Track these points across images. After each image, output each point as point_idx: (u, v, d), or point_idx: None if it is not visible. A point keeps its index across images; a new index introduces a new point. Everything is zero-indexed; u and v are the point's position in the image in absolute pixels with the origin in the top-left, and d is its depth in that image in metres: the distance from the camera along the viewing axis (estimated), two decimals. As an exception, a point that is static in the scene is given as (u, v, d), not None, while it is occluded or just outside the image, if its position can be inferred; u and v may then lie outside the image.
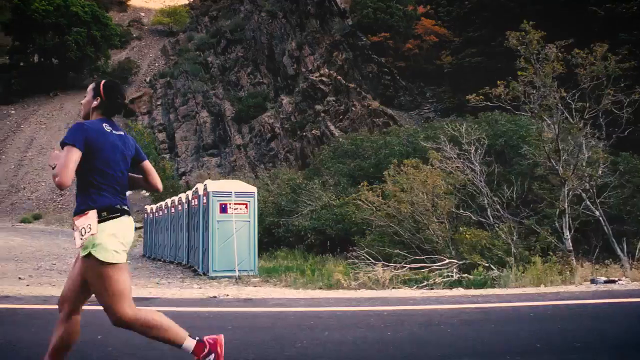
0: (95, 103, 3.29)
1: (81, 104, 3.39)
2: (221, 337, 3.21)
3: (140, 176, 3.45)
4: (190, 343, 3.10)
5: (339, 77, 29.93)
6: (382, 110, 26.91)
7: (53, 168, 3.01)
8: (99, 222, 2.99)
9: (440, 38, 34.12)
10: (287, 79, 39.11)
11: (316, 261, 13.40)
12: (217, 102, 40.64)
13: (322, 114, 28.86)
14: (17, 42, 47.30)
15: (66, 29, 47.09)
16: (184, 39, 54.34)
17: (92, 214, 3.02)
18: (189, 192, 14.02)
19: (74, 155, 2.99)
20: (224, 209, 11.49)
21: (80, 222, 3.00)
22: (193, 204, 12.86)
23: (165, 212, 16.68)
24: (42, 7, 45.41)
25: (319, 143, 28.36)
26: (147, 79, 50.81)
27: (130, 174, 3.36)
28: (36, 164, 41.20)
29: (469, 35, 28.79)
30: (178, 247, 14.50)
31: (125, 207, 3.15)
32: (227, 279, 11.12)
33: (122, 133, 3.33)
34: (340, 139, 21.75)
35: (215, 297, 7.35)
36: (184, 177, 36.13)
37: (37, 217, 33.70)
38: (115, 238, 3.02)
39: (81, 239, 2.96)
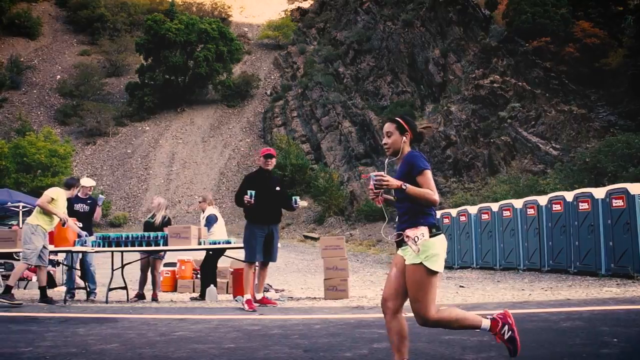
0: (405, 139, 3.69)
1: (386, 144, 3.75)
2: (507, 311, 3.69)
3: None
4: (486, 323, 3.54)
5: (521, 83, 30.08)
6: (587, 115, 26.99)
7: (381, 188, 3.53)
8: (430, 237, 3.44)
9: (602, 40, 34.03)
10: (432, 87, 39.48)
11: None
12: (357, 112, 41.22)
13: (509, 120, 29.04)
14: (148, 61, 48.81)
15: (195, 46, 48.50)
16: (295, 51, 55.29)
17: (424, 229, 3.47)
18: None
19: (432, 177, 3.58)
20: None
21: (412, 232, 3.45)
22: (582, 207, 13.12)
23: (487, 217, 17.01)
24: (175, 27, 46.85)
25: (511, 150, 28.55)
26: (268, 92, 51.89)
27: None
28: (184, 177, 42.44)
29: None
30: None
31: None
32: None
33: None
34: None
35: None
36: (341, 187, 36.69)
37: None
38: (443, 252, 3.47)
39: (416, 244, 3.41)
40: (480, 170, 29.36)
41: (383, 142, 3.82)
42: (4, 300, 7.38)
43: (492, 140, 29.35)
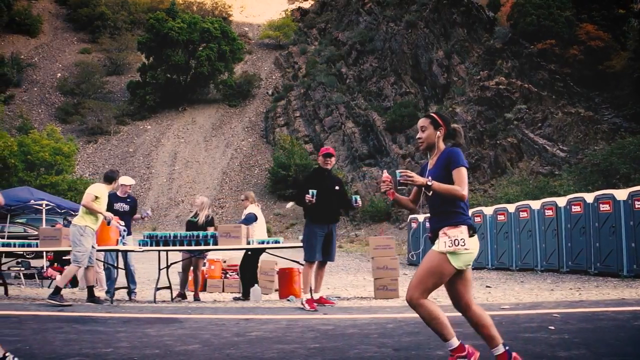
0: (439, 134, 3.76)
1: (420, 138, 3.81)
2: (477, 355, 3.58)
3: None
4: (454, 342, 3.48)
5: (527, 85, 30.24)
6: (594, 117, 27.18)
7: (405, 185, 3.57)
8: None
9: (606, 43, 34.26)
10: (436, 88, 39.61)
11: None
12: (360, 112, 41.30)
13: (515, 122, 29.19)
14: (149, 59, 48.70)
15: (197, 45, 48.46)
16: (296, 51, 55.32)
17: (464, 229, 3.52)
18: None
19: (466, 176, 3.61)
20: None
21: (452, 232, 3.49)
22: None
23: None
24: (178, 25, 46.79)
25: (517, 151, 28.69)
26: (269, 92, 51.88)
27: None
28: (186, 177, 42.38)
29: None
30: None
31: None
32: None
33: None
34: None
35: None
36: (345, 187, 36.73)
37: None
38: (472, 254, 3.51)
39: (450, 246, 3.45)
40: (487, 172, 29.50)
41: (417, 136, 3.89)
42: (54, 301, 7.36)
43: (498, 141, 29.50)
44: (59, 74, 52.41)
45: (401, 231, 29.66)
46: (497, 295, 9.39)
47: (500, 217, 17.32)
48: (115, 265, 8.93)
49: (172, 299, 8.89)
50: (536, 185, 22.77)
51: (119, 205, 9.02)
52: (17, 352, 3.91)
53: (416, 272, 3.57)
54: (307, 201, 7.03)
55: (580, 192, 17.77)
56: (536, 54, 34.08)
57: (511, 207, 17.16)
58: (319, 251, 7.27)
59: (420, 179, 3.58)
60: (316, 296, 7.32)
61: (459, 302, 3.60)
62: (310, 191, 7.06)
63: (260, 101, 50.87)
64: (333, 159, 7.74)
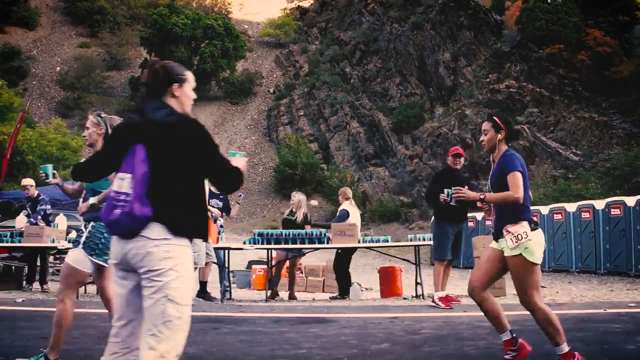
0: (500, 137, 4.01)
1: (483, 141, 4.08)
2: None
3: None
4: (564, 347, 3.69)
5: (539, 89, 30.54)
6: (608, 122, 27.55)
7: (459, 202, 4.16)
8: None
9: (612, 49, 34.76)
10: (442, 90, 39.84)
11: None
12: (365, 112, 41.40)
13: (527, 125, 29.45)
14: (151, 55, 48.32)
15: (200, 41, 48.22)
16: (297, 50, 55.32)
17: (525, 224, 3.79)
18: None
19: (521, 178, 3.85)
20: None
21: (514, 229, 3.76)
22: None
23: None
24: (182, 21, 46.53)
25: (530, 154, 28.94)
26: (270, 90, 51.80)
27: None
28: (189, 174, 42.09)
29: None
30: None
31: None
32: None
33: None
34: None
35: None
36: (352, 187, 36.80)
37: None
38: (540, 245, 3.81)
39: (516, 242, 3.74)
40: (498, 174, 29.72)
41: (480, 139, 4.10)
42: (205, 299, 7.37)
43: (510, 144, 29.72)
44: (58, 68, 51.79)
45: (411, 231, 29.80)
46: (553, 294, 9.50)
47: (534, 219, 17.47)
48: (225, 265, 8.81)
49: (267, 299, 8.78)
50: (556, 187, 23.01)
51: (214, 202, 8.70)
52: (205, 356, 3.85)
53: (514, 284, 3.81)
54: (442, 200, 7.07)
55: (608, 196, 18.01)
56: (545, 58, 34.45)
57: (544, 209, 17.34)
58: (450, 249, 7.34)
59: (472, 195, 3.89)
60: (442, 294, 7.37)
61: (481, 284, 3.90)
62: (446, 190, 7.07)
63: (262, 99, 50.75)
64: (462, 159, 7.79)
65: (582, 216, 15.70)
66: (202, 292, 7.90)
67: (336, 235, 7.97)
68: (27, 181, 9.32)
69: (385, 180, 35.94)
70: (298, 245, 8.23)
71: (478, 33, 39.76)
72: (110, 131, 4.10)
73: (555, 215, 16.68)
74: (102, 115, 4.23)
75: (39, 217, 9.09)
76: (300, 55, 54.21)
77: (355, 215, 9.04)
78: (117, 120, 4.14)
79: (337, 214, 9.18)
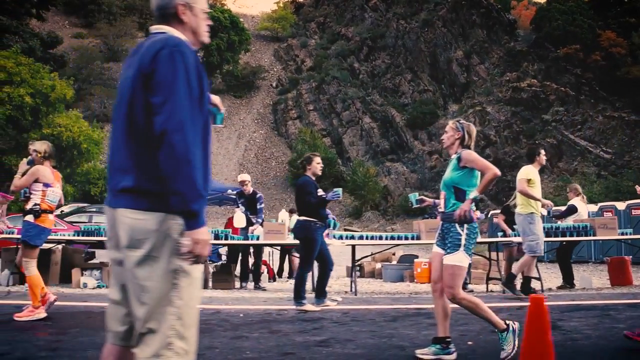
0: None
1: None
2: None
3: None
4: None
5: (564, 89, 31.37)
6: (639, 122, 28.49)
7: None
8: None
9: (626, 50, 35.89)
10: (455, 87, 40.48)
11: None
12: (377, 108, 41.75)
13: (553, 123, 30.26)
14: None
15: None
16: (296, 44, 55.26)
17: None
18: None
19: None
20: None
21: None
22: None
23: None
24: (188, 13, 45.89)
25: (557, 151, 29.73)
26: (273, 84, 51.61)
27: None
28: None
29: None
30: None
31: None
32: None
33: None
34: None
35: None
36: (372, 182, 37.10)
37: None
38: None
39: None
40: (527, 170, 30.45)
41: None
42: (513, 293, 7.40)
43: (537, 141, 30.51)
44: (54, 58, 50.39)
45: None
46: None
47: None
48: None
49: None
50: (606, 185, 23.76)
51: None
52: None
53: None
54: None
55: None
56: (562, 58, 35.36)
57: (593, 207, 17.85)
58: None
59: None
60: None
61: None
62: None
63: (266, 93, 50.56)
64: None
65: (633, 213, 16.43)
66: (526, 288, 7.65)
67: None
68: (244, 177, 9.16)
69: (406, 176, 36.32)
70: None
71: (490, 32, 40.50)
72: (466, 137, 4.26)
73: (605, 213, 17.16)
74: (461, 122, 4.38)
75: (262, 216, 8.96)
76: (300, 49, 54.18)
77: (583, 211, 9.38)
78: (473, 127, 4.36)
79: (565, 207, 9.61)
